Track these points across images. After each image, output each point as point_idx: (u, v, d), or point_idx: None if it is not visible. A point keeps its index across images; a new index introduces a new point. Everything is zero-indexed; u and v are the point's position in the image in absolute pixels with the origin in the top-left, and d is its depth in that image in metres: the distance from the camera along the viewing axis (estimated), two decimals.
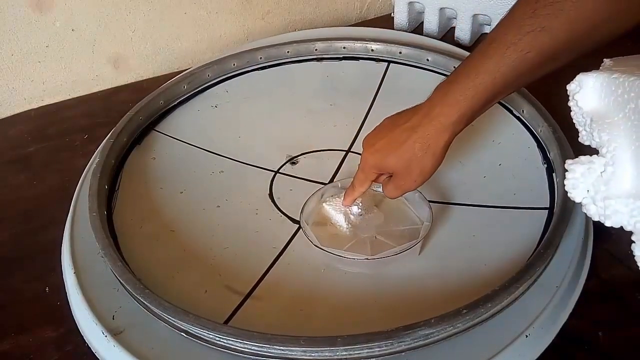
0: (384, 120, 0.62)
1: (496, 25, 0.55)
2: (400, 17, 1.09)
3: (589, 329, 0.58)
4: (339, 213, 0.66)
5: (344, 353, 0.50)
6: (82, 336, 0.60)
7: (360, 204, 0.66)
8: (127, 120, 0.79)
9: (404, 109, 0.83)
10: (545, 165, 0.72)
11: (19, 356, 0.59)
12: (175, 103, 0.88)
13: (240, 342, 0.52)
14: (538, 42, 0.51)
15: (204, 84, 0.92)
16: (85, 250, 0.65)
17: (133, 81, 1.04)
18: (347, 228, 0.65)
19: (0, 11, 0.89)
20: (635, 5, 0.50)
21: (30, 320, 0.62)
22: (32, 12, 0.91)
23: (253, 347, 0.51)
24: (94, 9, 0.96)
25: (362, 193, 0.64)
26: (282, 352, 0.51)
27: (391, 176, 0.62)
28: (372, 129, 0.63)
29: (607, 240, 0.66)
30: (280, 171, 0.76)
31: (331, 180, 0.74)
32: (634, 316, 0.59)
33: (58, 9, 0.93)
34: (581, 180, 0.46)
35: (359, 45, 0.97)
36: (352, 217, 0.66)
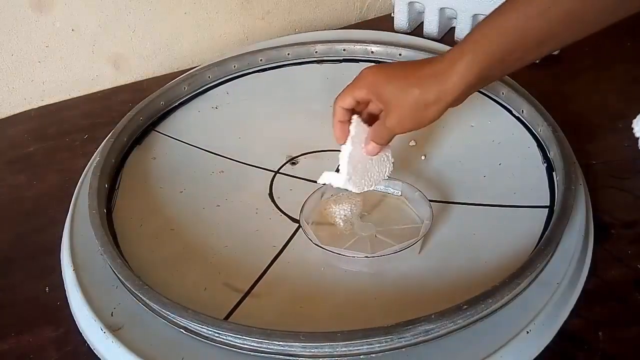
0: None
1: None
2: (400, 17, 1.09)
3: (589, 329, 0.58)
4: (339, 210, 0.66)
5: (344, 349, 0.50)
6: (82, 336, 0.60)
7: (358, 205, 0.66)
8: (127, 120, 0.79)
9: None
10: (545, 164, 0.72)
11: (19, 356, 0.59)
12: (176, 104, 0.89)
13: (240, 338, 0.52)
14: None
15: (205, 85, 0.92)
16: (84, 248, 0.65)
17: (133, 81, 1.04)
18: (346, 225, 0.65)
19: (0, 11, 0.89)
20: None
21: (30, 320, 0.62)
22: (32, 12, 0.91)
23: (252, 343, 0.51)
24: (94, 9, 0.96)
25: (343, 111, 0.60)
26: (282, 347, 0.51)
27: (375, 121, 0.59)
28: None
29: (607, 240, 0.66)
30: (280, 171, 0.76)
31: None
32: (634, 316, 0.59)
33: (58, 9, 0.93)
34: None
35: (359, 47, 0.97)
36: (352, 216, 0.66)
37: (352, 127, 0.60)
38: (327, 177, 0.63)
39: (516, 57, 0.54)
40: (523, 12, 0.52)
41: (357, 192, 0.63)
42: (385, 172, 0.65)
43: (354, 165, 0.61)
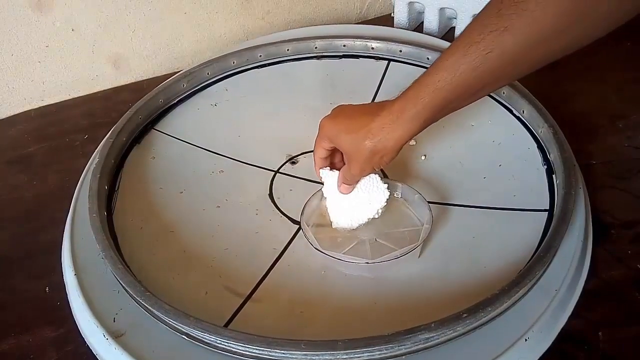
0: (350, 105, 0.63)
1: (465, 26, 0.54)
2: (400, 17, 1.09)
3: (589, 329, 0.58)
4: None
5: (345, 357, 0.50)
6: (82, 336, 0.60)
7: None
8: (126, 119, 0.79)
9: None
10: (545, 167, 0.72)
11: (19, 356, 0.59)
12: (175, 101, 0.88)
13: (241, 346, 0.52)
14: (500, 42, 0.50)
15: (204, 82, 0.92)
16: (85, 251, 0.65)
17: (133, 81, 1.04)
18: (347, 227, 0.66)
19: (0, 11, 0.89)
20: (600, 14, 0.49)
21: (30, 320, 0.62)
22: (32, 12, 0.91)
23: (254, 351, 0.51)
24: (94, 9, 0.95)
25: (322, 160, 0.65)
26: (283, 355, 0.51)
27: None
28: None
29: (607, 240, 0.66)
30: (280, 171, 0.76)
31: None
32: (634, 316, 0.59)
33: (58, 9, 0.93)
34: None
35: (359, 43, 0.97)
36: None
37: (324, 179, 0.66)
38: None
39: (459, 103, 0.56)
40: (456, 70, 0.53)
41: (355, 227, 0.66)
42: (380, 195, 0.66)
43: (339, 207, 0.66)
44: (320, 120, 0.63)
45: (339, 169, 0.66)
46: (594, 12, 0.48)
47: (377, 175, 0.65)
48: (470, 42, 0.51)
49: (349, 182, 0.64)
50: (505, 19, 0.50)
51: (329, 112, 0.63)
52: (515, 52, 0.51)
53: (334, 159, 0.67)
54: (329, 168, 0.66)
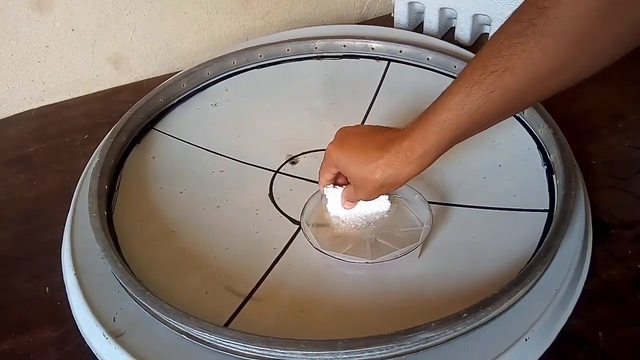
0: (364, 126, 0.63)
1: (465, 65, 0.55)
2: (400, 17, 1.09)
3: (589, 329, 0.58)
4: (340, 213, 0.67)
5: (345, 357, 0.50)
6: (82, 336, 0.60)
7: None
8: (126, 119, 0.79)
9: (404, 107, 0.83)
10: (545, 167, 0.72)
11: (19, 356, 0.59)
12: (175, 101, 0.88)
13: (241, 345, 0.52)
14: (502, 82, 0.51)
15: (204, 82, 0.92)
16: (85, 251, 0.65)
17: (133, 81, 1.04)
18: (346, 228, 0.66)
19: (0, 11, 0.89)
20: (601, 50, 0.49)
21: (30, 320, 0.62)
22: (32, 12, 0.91)
23: (254, 350, 0.51)
24: (94, 9, 0.95)
25: (327, 181, 0.66)
26: (283, 355, 0.51)
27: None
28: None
29: (607, 240, 0.66)
30: (280, 171, 0.76)
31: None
32: (634, 316, 0.59)
33: (58, 9, 0.93)
34: None
35: (359, 43, 0.97)
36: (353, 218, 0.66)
37: (327, 196, 0.67)
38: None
39: (466, 136, 0.57)
40: (460, 109, 0.53)
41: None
42: (382, 207, 0.66)
43: (342, 220, 0.66)
44: (327, 147, 0.62)
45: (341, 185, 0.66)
46: (594, 49, 0.49)
47: None
48: (473, 83, 0.52)
49: (354, 202, 0.65)
50: (505, 60, 0.50)
51: (335, 136, 0.63)
52: (518, 90, 0.52)
53: (338, 179, 0.67)
54: (332, 185, 0.66)
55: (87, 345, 0.59)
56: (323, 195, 0.67)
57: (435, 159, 0.58)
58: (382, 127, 0.62)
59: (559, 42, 0.49)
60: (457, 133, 0.55)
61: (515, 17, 0.51)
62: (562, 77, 0.51)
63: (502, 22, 0.52)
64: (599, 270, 0.63)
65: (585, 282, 0.61)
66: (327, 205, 0.67)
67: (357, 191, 0.62)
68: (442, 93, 0.56)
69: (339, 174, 0.66)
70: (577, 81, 0.52)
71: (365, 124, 0.83)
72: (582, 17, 0.47)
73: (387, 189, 0.59)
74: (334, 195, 0.66)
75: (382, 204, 0.66)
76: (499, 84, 0.51)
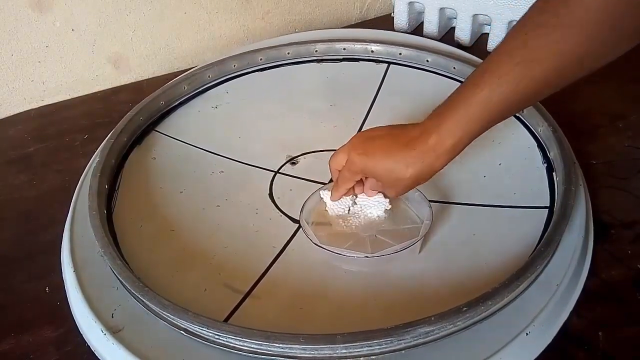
0: (378, 128, 0.63)
1: (487, 57, 0.55)
2: (400, 17, 1.09)
3: (589, 329, 0.58)
4: (341, 210, 0.67)
5: (344, 351, 0.50)
6: (82, 336, 0.60)
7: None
8: (127, 120, 0.79)
9: (404, 109, 0.83)
10: (545, 165, 0.72)
11: (19, 356, 0.59)
12: (176, 104, 0.89)
13: (240, 340, 0.51)
14: (529, 73, 0.52)
15: (205, 85, 0.92)
16: (85, 249, 0.65)
17: (133, 81, 1.04)
18: (346, 226, 0.65)
19: (0, 11, 0.89)
20: (621, 39, 0.50)
21: (30, 320, 0.62)
22: (32, 12, 0.91)
23: (252, 345, 0.51)
24: (94, 9, 0.96)
25: (347, 190, 0.65)
26: (282, 350, 0.51)
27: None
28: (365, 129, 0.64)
29: (607, 240, 0.66)
30: (280, 171, 0.76)
31: (331, 180, 0.73)
32: (634, 316, 0.59)
33: (58, 9, 0.93)
34: None
35: (359, 46, 0.97)
36: (352, 216, 0.66)
37: (325, 199, 0.67)
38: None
39: (492, 126, 0.57)
40: (488, 103, 0.54)
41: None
42: (381, 210, 0.66)
43: (342, 219, 0.67)
44: (349, 155, 0.62)
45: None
46: (619, 36, 0.50)
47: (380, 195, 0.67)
48: (500, 75, 0.53)
49: (372, 196, 0.66)
50: (531, 51, 0.51)
51: (351, 143, 0.63)
52: (544, 79, 0.52)
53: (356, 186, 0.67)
54: (328, 190, 0.67)
55: (87, 345, 0.59)
56: (321, 199, 0.68)
57: (464, 149, 0.58)
58: (397, 125, 0.62)
59: (584, 31, 0.49)
60: (485, 124, 0.56)
61: (539, 7, 0.52)
62: (587, 64, 0.52)
63: (524, 11, 0.53)
64: (599, 270, 0.63)
65: (585, 282, 0.61)
66: (326, 208, 0.67)
67: (389, 190, 0.63)
68: (465, 85, 0.56)
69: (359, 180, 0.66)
70: (600, 66, 0.53)
71: (365, 125, 0.83)
72: (606, 5, 0.48)
73: (419, 182, 0.60)
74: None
75: (381, 203, 0.66)
76: (525, 75, 0.52)
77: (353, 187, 0.65)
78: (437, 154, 0.57)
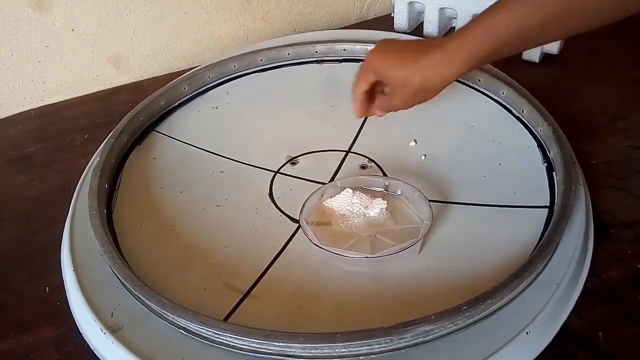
0: (407, 39, 0.65)
1: None
2: (400, 17, 1.09)
3: (589, 329, 0.58)
4: (340, 210, 0.67)
5: (343, 350, 0.50)
6: (82, 336, 0.60)
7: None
8: (127, 120, 0.79)
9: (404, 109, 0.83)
10: (545, 164, 0.72)
11: (19, 356, 0.59)
12: (176, 104, 0.89)
13: (239, 339, 0.51)
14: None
15: (205, 86, 0.93)
16: (84, 248, 0.65)
17: (133, 81, 1.04)
18: (346, 225, 0.65)
19: (0, 11, 0.89)
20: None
21: (30, 320, 0.62)
22: (32, 12, 0.91)
23: (252, 344, 0.51)
24: (94, 9, 0.96)
25: (362, 94, 0.68)
26: (281, 348, 0.51)
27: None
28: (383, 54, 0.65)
29: (607, 240, 0.66)
30: (280, 171, 0.76)
31: (331, 180, 0.74)
32: (634, 316, 0.59)
33: (58, 9, 0.93)
34: None
35: (359, 47, 0.97)
36: (352, 216, 0.66)
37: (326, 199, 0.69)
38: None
39: (510, 49, 0.59)
40: (507, 27, 0.56)
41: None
42: (376, 209, 0.67)
43: (342, 219, 0.67)
44: (368, 55, 0.65)
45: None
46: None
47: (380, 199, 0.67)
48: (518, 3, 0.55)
49: (387, 110, 0.69)
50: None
51: (374, 47, 0.66)
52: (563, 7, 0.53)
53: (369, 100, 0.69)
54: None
55: (87, 345, 0.59)
56: (321, 200, 0.68)
57: (474, 68, 0.60)
58: (420, 39, 0.64)
59: None
60: (500, 45, 0.57)
61: None
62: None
63: None
64: (599, 270, 0.63)
65: (585, 282, 0.61)
66: (326, 203, 0.68)
67: (395, 95, 0.63)
68: (485, 10, 0.57)
69: (373, 88, 0.67)
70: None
71: (365, 126, 0.83)
72: None
73: (424, 94, 0.61)
74: (334, 194, 0.67)
75: (380, 203, 0.66)
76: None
77: (367, 104, 0.69)
78: (450, 61, 0.59)
